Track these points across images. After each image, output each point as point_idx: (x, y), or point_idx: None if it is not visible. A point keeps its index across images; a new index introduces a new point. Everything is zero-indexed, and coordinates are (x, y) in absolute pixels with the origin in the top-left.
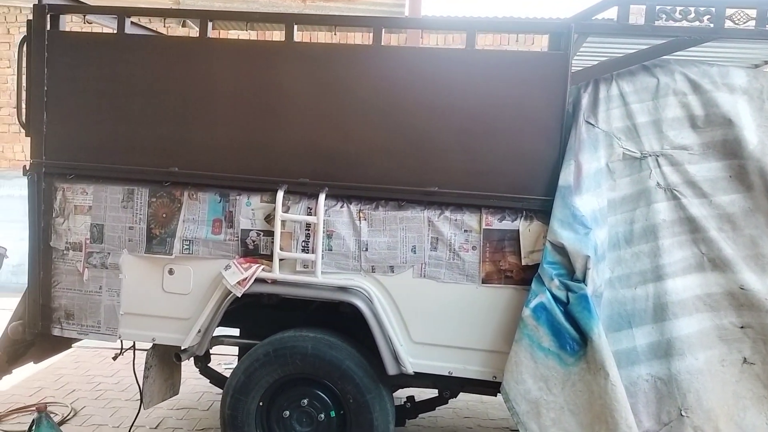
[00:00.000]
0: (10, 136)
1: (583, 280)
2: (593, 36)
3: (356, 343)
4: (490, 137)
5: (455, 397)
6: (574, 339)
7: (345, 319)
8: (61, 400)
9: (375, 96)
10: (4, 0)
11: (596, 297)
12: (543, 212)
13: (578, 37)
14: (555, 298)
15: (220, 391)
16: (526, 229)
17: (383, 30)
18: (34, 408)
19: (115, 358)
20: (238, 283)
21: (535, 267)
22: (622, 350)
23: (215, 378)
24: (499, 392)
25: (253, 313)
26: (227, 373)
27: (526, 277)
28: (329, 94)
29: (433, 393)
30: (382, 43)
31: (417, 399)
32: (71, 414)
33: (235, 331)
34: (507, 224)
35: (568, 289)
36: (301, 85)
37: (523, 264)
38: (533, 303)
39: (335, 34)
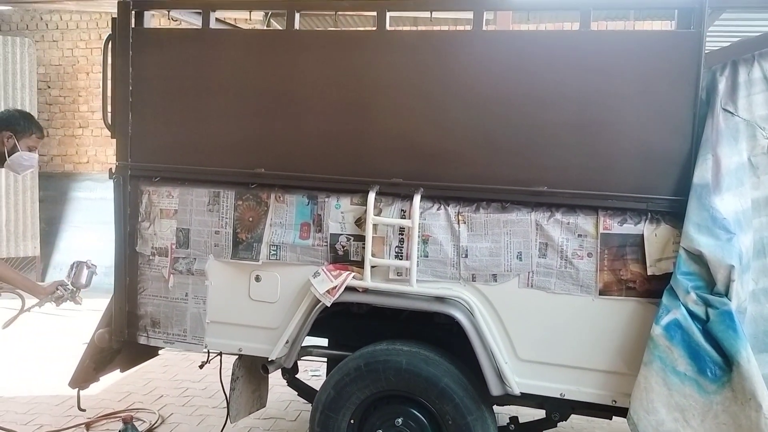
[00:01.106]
0: (102, 140)
1: (726, 294)
2: (729, 11)
3: (454, 358)
4: (609, 129)
5: (565, 420)
6: (716, 363)
7: (441, 331)
8: (149, 406)
9: (476, 86)
10: (95, 6)
11: (740, 313)
12: (672, 214)
13: (711, 13)
14: (692, 314)
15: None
16: (652, 233)
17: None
18: (121, 417)
19: (201, 366)
20: (328, 291)
21: (663, 277)
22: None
23: (304, 390)
24: (617, 416)
25: (341, 323)
26: (314, 382)
27: (651, 288)
28: (425, 85)
29: (539, 414)
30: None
31: (521, 419)
32: (158, 422)
33: (323, 341)
34: (629, 228)
35: (707, 304)
36: (395, 77)
37: (648, 274)
38: (665, 320)
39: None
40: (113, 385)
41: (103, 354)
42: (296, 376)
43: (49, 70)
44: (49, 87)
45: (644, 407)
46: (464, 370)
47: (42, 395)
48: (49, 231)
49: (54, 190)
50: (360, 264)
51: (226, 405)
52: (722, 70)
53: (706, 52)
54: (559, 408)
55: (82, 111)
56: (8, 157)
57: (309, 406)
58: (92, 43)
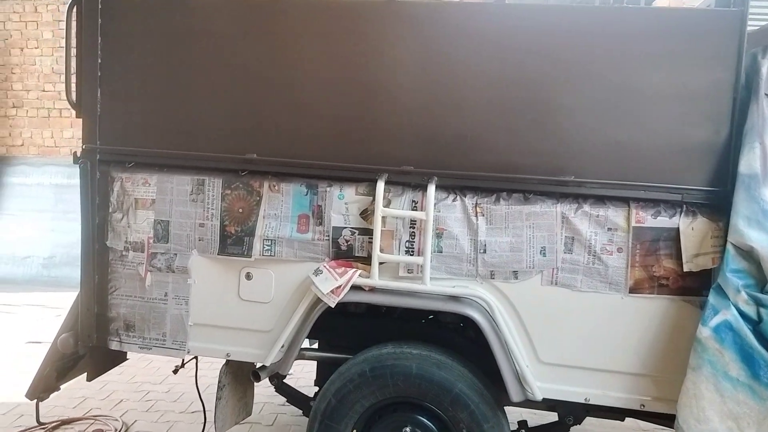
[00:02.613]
0: (39, 121)
1: None
2: None
3: (466, 361)
4: (643, 115)
5: (579, 424)
6: None
7: (446, 331)
8: (109, 412)
9: (497, 64)
10: None
11: None
12: (709, 206)
13: None
14: (742, 314)
15: (283, 401)
16: (688, 227)
17: None
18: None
19: (175, 372)
20: (332, 291)
21: (699, 274)
22: None
23: (294, 397)
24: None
25: (333, 322)
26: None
27: (686, 285)
28: (440, 63)
29: (551, 416)
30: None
31: (531, 424)
32: (123, 430)
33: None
34: (663, 221)
35: (758, 303)
36: (406, 54)
37: (684, 270)
38: (714, 321)
39: None
40: (66, 390)
41: (65, 360)
42: (284, 381)
43: None
44: None
45: (695, 416)
46: (478, 374)
47: None
48: None
49: None
50: (365, 260)
51: (202, 411)
52: (763, 53)
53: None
54: (574, 411)
55: (16, 89)
56: None
57: (286, 409)
58: (27, 16)
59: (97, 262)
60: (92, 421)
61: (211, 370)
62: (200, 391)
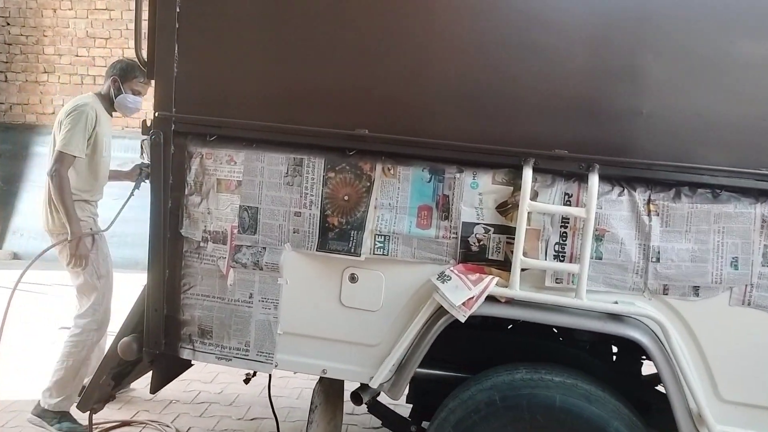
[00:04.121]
0: (71, 88)
1: None
2: None
3: (616, 391)
4: None
5: None
6: None
7: (575, 349)
8: (159, 416)
9: (686, 19)
10: None
11: None
12: None
13: None
14: None
15: (353, 408)
16: None
17: None
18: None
19: (247, 381)
20: (463, 303)
21: None
22: None
23: (390, 420)
24: None
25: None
26: None
27: None
28: (609, 17)
29: None
30: None
31: None
32: None
33: None
34: None
35: None
36: (563, 5)
37: None
38: None
39: None
40: None
41: (123, 366)
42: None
43: (8, 4)
44: (8, 24)
45: None
46: (633, 410)
47: (21, 399)
48: (8, 191)
49: (13, 144)
50: (501, 265)
51: (263, 419)
52: None
53: None
54: None
55: (48, 53)
56: (115, 99)
57: (356, 419)
58: None
59: (168, 253)
60: (142, 426)
61: None
62: (272, 401)
